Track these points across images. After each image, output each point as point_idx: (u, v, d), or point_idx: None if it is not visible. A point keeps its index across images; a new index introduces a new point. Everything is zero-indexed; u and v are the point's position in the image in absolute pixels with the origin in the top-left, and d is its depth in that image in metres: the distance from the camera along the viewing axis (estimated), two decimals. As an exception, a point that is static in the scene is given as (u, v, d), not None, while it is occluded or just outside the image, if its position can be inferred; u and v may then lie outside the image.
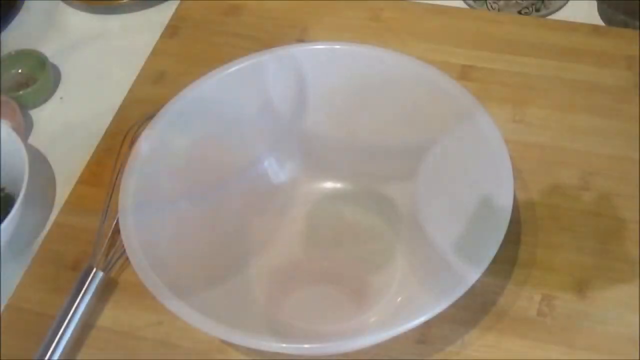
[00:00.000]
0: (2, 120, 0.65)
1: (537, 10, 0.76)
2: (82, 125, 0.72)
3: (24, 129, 0.70)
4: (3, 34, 0.81)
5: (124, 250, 0.53)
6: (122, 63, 0.76)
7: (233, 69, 0.61)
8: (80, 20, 0.83)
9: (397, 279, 0.58)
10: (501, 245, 0.50)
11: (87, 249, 0.61)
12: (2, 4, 0.83)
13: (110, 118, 0.72)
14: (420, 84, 0.60)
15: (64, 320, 0.56)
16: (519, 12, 0.77)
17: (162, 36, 0.78)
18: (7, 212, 0.59)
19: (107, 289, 0.59)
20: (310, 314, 0.57)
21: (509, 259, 0.58)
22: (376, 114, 0.62)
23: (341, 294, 0.59)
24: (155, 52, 0.77)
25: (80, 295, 0.57)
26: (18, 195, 0.60)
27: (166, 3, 0.82)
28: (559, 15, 0.77)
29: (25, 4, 0.85)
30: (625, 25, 0.74)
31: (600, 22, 0.75)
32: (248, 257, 0.60)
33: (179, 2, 0.82)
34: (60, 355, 0.55)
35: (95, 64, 0.78)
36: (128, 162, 0.57)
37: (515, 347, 0.54)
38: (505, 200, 0.52)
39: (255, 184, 0.63)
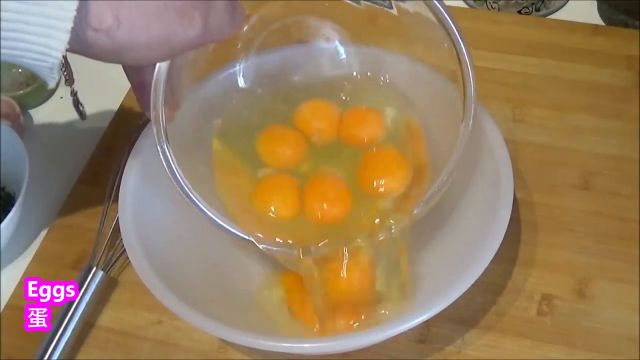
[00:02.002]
0: (2, 120, 0.65)
1: (537, 9, 0.76)
2: (82, 125, 0.72)
3: (24, 129, 0.70)
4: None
5: (124, 250, 0.53)
6: (122, 63, 0.76)
7: (234, 70, 0.61)
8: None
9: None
10: (501, 245, 0.50)
11: (87, 248, 0.61)
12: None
13: (110, 118, 0.72)
14: (420, 84, 0.60)
15: (64, 320, 0.56)
16: (519, 12, 0.77)
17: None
18: (7, 212, 0.59)
19: (107, 289, 0.59)
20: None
21: (509, 258, 0.58)
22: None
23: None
24: (155, 52, 0.77)
25: (80, 294, 0.57)
26: (18, 195, 0.60)
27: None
28: (559, 15, 0.77)
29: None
30: (625, 25, 0.74)
31: (600, 22, 0.75)
32: (248, 256, 0.60)
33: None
34: (60, 355, 0.55)
35: (96, 63, 0.78)
36: (128, 162, 0.57)
37: (515, 347, 0.54)
38: (505, 200, 0.52)
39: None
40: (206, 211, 0.52)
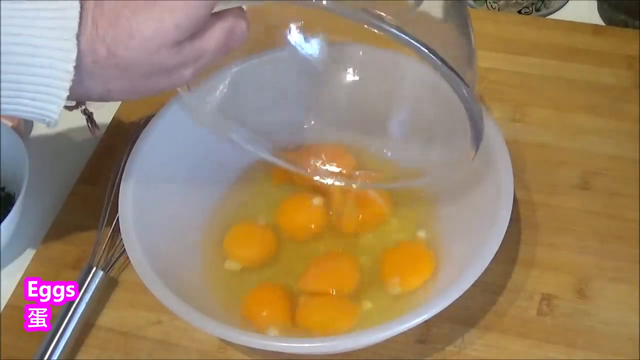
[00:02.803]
0: (2, 120, 0.65)
1: (537, 9, 0.76)
2: (82, 125, 0.72)
3: (24, 128, 0.70)
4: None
5: (124, 250, 0.53)
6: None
7: (236, 68, 0.61)
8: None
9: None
10: (501, 245, 0.50)
11: (87, 248, 0.61)
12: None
13: (110, 118, 0.72)
14: (421, 84, 0.60)
15: (64, 320, 0.56)
16: (519, 12, 0.77)
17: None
18: (7, 212, 0.59)
19: (107, 289, 0.59)
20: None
21: (509, 258, 0.58)
22: (377, 114, 0.62)
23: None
24: (155, 52, 0.77)
25: (80, 294, 0.57)
26: (18, 195, 0.60)
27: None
28: (559, 15, 0.77)
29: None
30: (625, 25, 0.74)
31: (600, 22, 0.75)
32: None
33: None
34: (60, 355, 0.55)
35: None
36: (128, 162, 0.57)
37: (515, 347, 0.54)
38: (505, 200, 0.52)
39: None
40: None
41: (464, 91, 0.45)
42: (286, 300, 0.55)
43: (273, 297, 0.56)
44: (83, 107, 0.52)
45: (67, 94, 0.42)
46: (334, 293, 0.55)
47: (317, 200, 0.60)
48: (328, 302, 0.55)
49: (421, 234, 0.58)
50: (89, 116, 0.54)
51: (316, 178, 0.59)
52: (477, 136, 0.49)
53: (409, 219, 0.59)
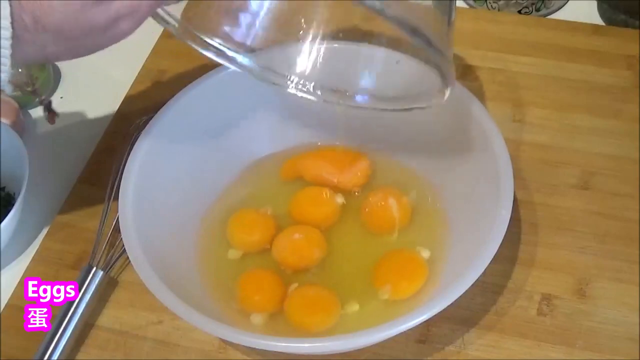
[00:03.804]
0: (2, 120, 0.65)
1: (538, 9, 0.76)
2: (82, 125, 0.72)
3: (24, 128, 0.70)
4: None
5: (124, 250, 0.53)
6: (122, 62, 0.76)
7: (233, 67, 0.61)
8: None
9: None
10: (501, 245, 0.50)
11: (87, 248, 0.61)
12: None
13: (111, 118, 0.72)
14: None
15: (64, 320, 0.56)
16: (519, 12, 0.77)
17: (162, 35, 0.78)
18: (7, 212, 0.59)
19: (107, 289, 0.59)
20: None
21: (509, 258, 0.58)
22: (377, 113, 0.62)
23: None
24: (155, 52, 0.77)
25: (80, 294, 0.57)
26: (18, 194, 0.60)
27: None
28: (559, 15, 0.77)
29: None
30: (625, 25, 0.74)
31: (600, 22, 0.75)
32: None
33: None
34: (60, 355, 0.55)
35: (96, 63, 0.78)
36: (128, 162, 0.57)
37: (515, 347, 0.54)
38: (505, 200, 0.52)
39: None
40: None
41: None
42: (278, 285, 0.56)
43: (263, 282, 0.56)
44: (42, 97, 0.53)
45: (8, 59, 0.45)
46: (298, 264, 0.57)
47: (339, 199, 0.61)
48: (312, 293, 0.56)
49: (425, 253, 0.57)
50: (47, 106, 0.55)
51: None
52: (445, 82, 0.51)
53: (412, 234, 0.59)
